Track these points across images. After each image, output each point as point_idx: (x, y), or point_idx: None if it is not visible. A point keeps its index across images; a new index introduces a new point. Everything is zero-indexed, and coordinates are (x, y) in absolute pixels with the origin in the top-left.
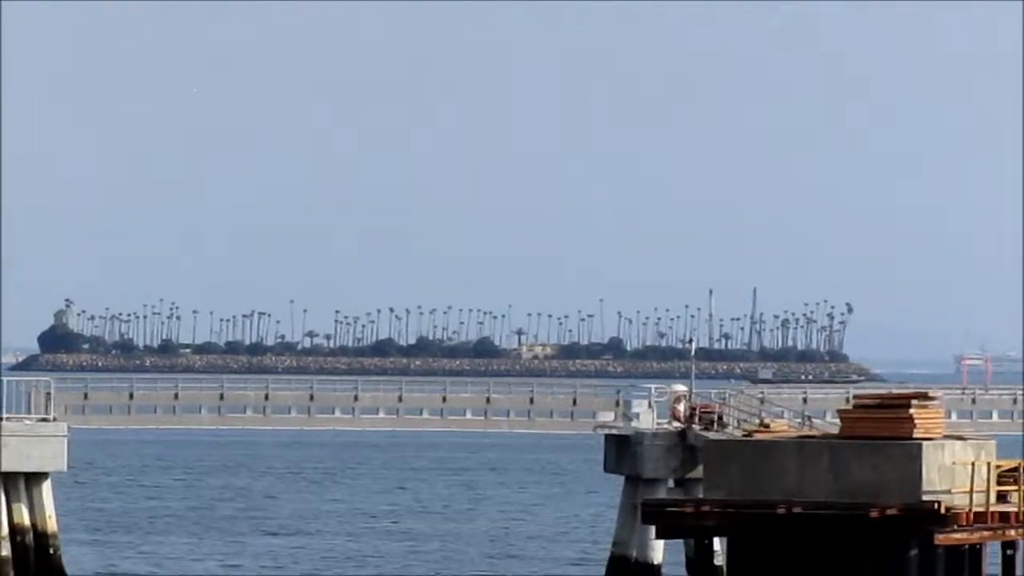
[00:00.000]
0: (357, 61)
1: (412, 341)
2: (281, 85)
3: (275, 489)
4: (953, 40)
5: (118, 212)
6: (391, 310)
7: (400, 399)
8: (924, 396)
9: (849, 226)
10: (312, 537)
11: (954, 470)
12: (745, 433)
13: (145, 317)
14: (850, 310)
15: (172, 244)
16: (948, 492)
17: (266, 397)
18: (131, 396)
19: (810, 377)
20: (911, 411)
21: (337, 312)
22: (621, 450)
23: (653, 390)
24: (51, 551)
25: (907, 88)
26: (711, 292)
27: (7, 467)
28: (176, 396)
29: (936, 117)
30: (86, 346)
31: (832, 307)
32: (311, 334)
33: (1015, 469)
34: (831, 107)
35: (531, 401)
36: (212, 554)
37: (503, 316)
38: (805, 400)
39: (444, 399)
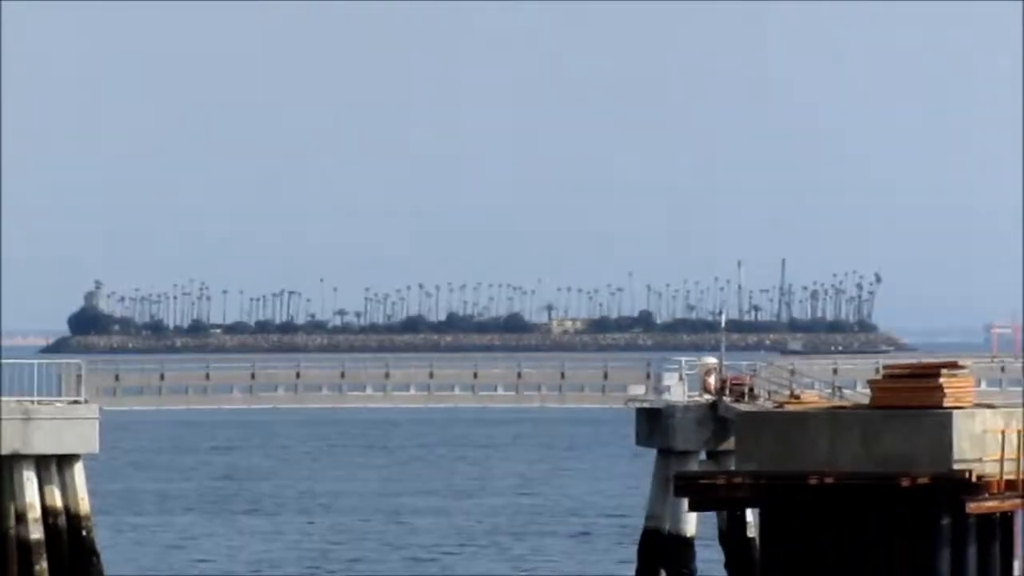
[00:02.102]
0: (380, 35)
1: (442, 317)
2: (304, 61)
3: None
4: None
5: (146, 193)
6: (421, 287)
7: (431, 375)
8: (954, 365)
9: (876, 196)
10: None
11: (985, 438)
12: (776, 404)
13: (175, 298)
14: (879, 280)
15: (201, 224)
16: (979, 460)
17: (297, 376)
18: (162, 377)
19: (840, 348)
20: (941, 380)
21: (367, 290)
22: (652, 423)
23: (683, 363)
24: (84, 532)
25: (938, 63)
26: (740, 264)
27: (39, 450)
28: (207, 376)
29: (964, 90)
30: (117, 327)
31: (861, 277)
32: (341, 312)
33: None
34: (858, 80)
35: (562, 376)
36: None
37: (533, 291)
38: (835, 371)
39: (475, 375)
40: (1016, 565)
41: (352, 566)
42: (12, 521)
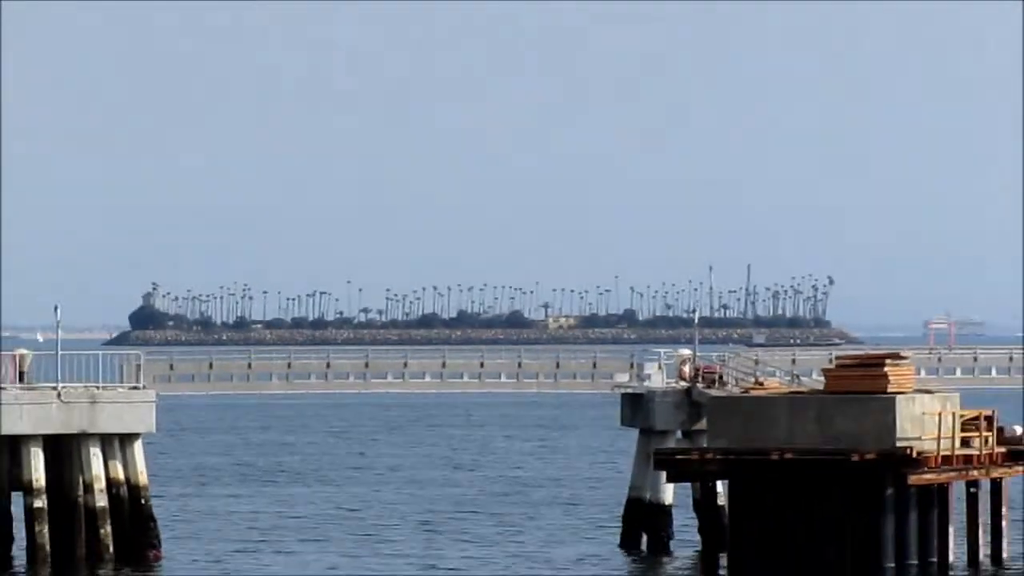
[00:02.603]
0: (397, 48)
1: (453, 315)
2: (326, 77)
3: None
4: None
5: (196, 204)
6: (434, 288)
7: (443, 365)
8: (897, 356)
9: (831, 207)
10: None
11: (924, 420)
12: (742, 390)
13: (222, 298)
14: (831, 282)
15: (243, 232)
16: (919, 439)
17: (327, 365)
18: (210, 366)
19: (797, 341)
20: (886, 369)
21: (388, 290)
22: (635, 406)
23: (662, 354)
24: (142, 501)
25: (882, 78)
26: (711, 268)
27: (104, 429)
28: (249, 366)
29: (910, 106)
30: (171, 323)
31: (816, 280)
32: (365, 310)
33: (976, 418)
34: (817, 102)
35: (557, 365)
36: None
37: (531, 292)
38: (794, 361)
39: (482, 364)
40: (951, 531)
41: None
42: (80, 491)
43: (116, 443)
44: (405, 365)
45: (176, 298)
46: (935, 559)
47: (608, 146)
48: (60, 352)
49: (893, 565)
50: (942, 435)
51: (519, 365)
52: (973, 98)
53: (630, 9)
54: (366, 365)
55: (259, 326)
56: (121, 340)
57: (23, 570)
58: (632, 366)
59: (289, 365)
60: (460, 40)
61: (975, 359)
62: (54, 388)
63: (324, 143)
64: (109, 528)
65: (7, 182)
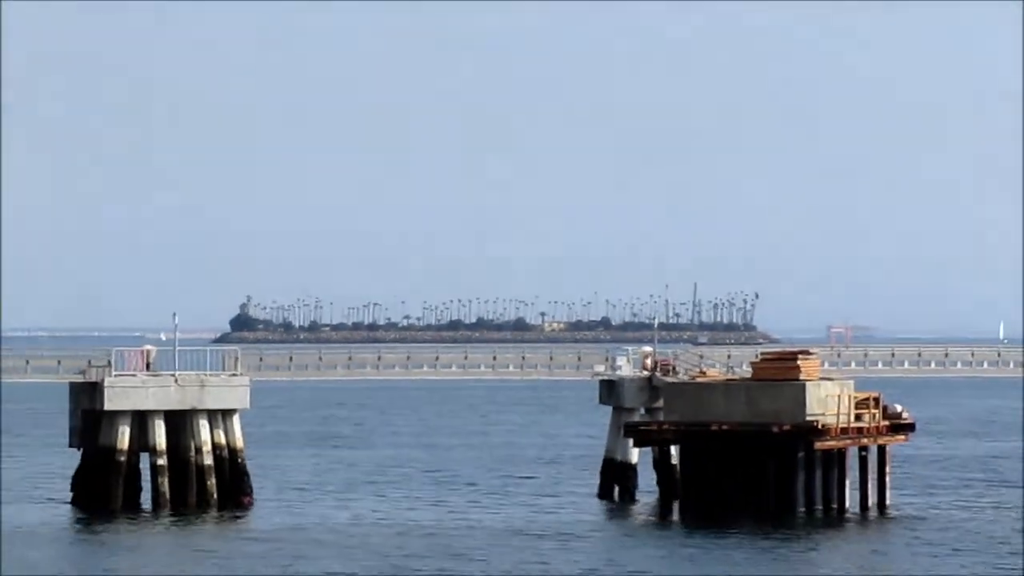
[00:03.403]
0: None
1: (473, 320)
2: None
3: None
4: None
5: (278, 231)
6: (459, 300)
7: (465, 358)
8: (806, 352)
9: (756, 239)
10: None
11: (827, 400)
12: (690, 378)
13: (299, 307)
14: (757, 297)
15: (315, 255)
16: (823, 415)
17: (378, 358)
18: (291, 359)
19: (731, 341)
20: (798, 362)
21: (424, 302)
22: (609, 390)
23: (630, 351)
24: (238, 460)
25: (801, 98)
26: (667, 286)
27: (210, 406)
28: (320, 358)
29: (826, 117)
30: (261, 327)
31: (746, 295)
32: (407, 317)
33: (866, 399)
34: (740, 148)
35: (551, 359)
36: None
37: (532, 303)
38: (729, 356)
39: (494, 358)
40: (847, 485)
41: (371, 472)
42: (192, 452)
43: (219, 416)
44: (437, 358)
45: (265, 307)
46: (835, 506)
47: (588, 168)
48: (177, 348)
49: (804, 510)
50: (840, 412)
51: (523, 359)
52: (878, 127)
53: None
54: (407, 358)
55: (327, 329)
56: (223, 339)
57: (149, 512)
58: (607, 360)
59: (350, 358)
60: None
61: (865, 355)
62: (172, 375)
63: (373, 184)
64: (214, 480)
65: (141, 218)
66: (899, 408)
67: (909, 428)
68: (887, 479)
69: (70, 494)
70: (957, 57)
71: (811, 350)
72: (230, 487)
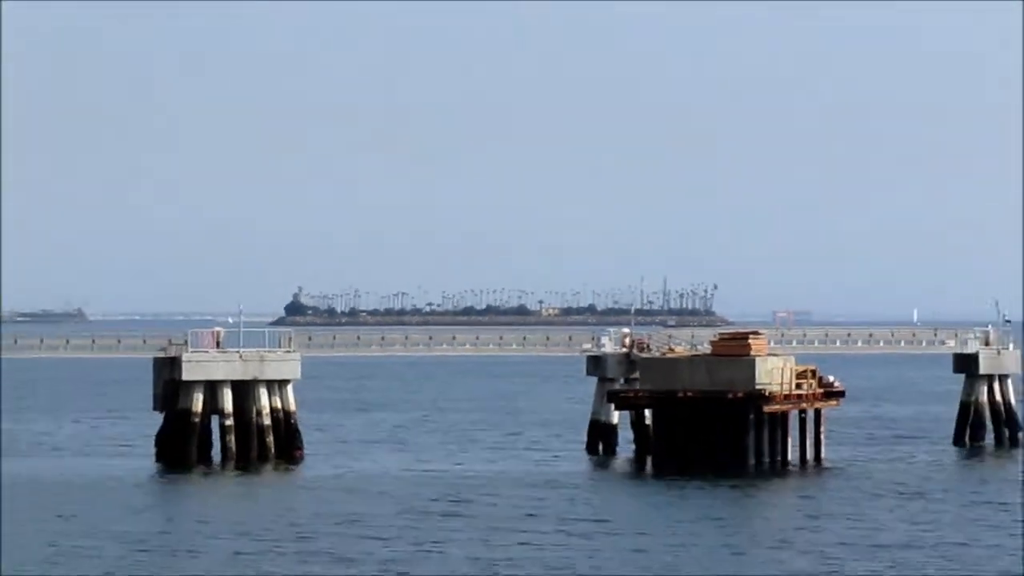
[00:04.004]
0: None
1: (483, 307)
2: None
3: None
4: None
5: (325, 233)
6: (471, 290)
7: (477, 338)
8: (756, 333)
9: (713, 239)
10: None
11: (772, 372)
12: (661, 354)
13: (342, 296)
14: (716, 287)
15: (355, 253)
16: (770, 384)
17: (406, 338)
18: (334, 338)
19: (694, 324)
20: (749, 341)
21: (443, 292)
22: (595, 364)
23: (612, 332)
24: (292, 421)
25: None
26: (643, 279)
27: (269, 377)
28: (358, 338)
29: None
30: (310, 312)
31: (706, 286)
32: (429, 304)
33: (805, 372)
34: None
35: (547, 339)
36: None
37: (532, 292)
38: (692, 336)
39: (500, 338)
40: (789, 442)
41: (398, 431)
42: (254, 415)
43: (276, 386)
44: (453, 338)
45: (312, 296)
46: (779, 459)
47: (574, 180)
48: (242, 329)
49: (753, 462)
50: (783, 382)
51: (524, 339)
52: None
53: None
54: (429, 338)
55: (364, 314)
56: (279, 323)
57: (219, 464)
58: (593, 339)
59: (382, 338)
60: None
61: (804, 335)
62: (238, 351)
63: (402, 194)
64: (271, 438)
65: (212, 221)
66: (832, 379)
67: (840, 395)
68: (822, 437)
69: (154, 450)
70: (894, 57)
71: (760, 331)
72: (285, 443)
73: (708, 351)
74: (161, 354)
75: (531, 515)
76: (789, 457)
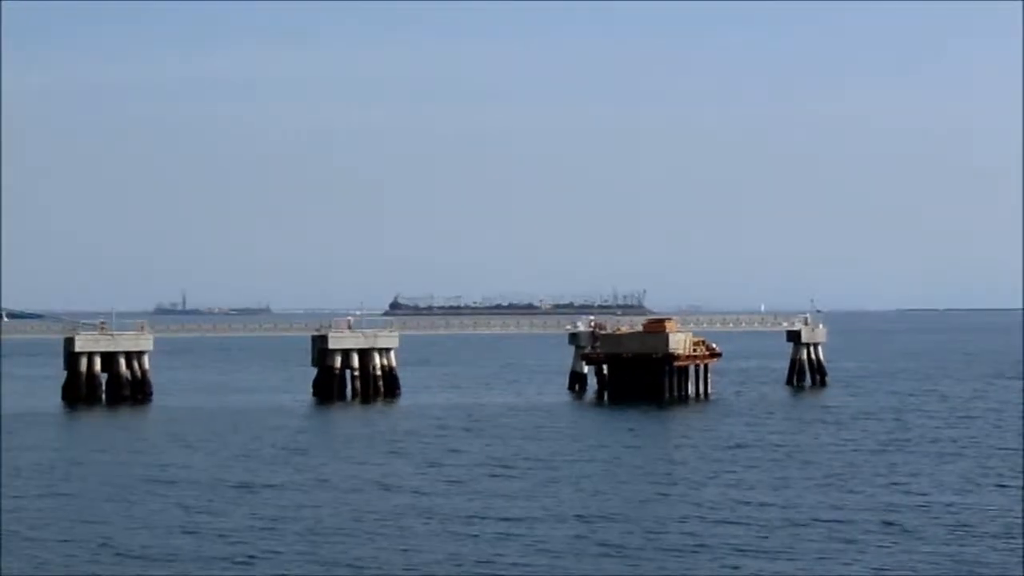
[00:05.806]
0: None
1: (507, 304)
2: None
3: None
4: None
5: (413, 257)
6: (500, 293)
7: (503, 324)
8: (669, 319)
9: (642, 255)
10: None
11: (679, 342)
12: (613, 331)
13: (422, 298)
14: (645, 292)
15: (427, 268)
16: (677, 349)
17: (460, 323)
18: (418, 324)
19: (633, 314)
20: (665, 323)
21: (483, 296)
22: (573, 337)
23: (584, 319)
24: (393, 373)
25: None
26: (603, 288)
27: (380, 346)
28: (432, 323)
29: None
30: (404, 309)
31: (640, 290)
32: (475, 302)
33: (699, 342)
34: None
35: (544, 323)
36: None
37: (536, 295)
38: (631, 321)
39: (517, 323)
40: (689, 384)
41: (450, 378)
42: (371, 369)
43: (385, 352)
44: (489, 323)
45: (405, 298)
46: (683, 394)
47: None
48: (363, 319)
49: (667, 397)
50: (686, 348)
51: (531, 323)
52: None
53: None
54: (474, 324)
55: (436, 309)
56: (385, 315)
57: (350, 399)
58: (573, 323)
59: (446, 323)
60: None
61: (698, 320)
62: (361, 332)
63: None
64: (381, 384)
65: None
66: (714, 345)
67: (719, 355)
68: (709, 381)
69: (311, 390)
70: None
71: (672, 318)
72: (387, 387)
73: (641, 330)
74: (316, 332)
75: (538, 428)
76: (689, 393)
